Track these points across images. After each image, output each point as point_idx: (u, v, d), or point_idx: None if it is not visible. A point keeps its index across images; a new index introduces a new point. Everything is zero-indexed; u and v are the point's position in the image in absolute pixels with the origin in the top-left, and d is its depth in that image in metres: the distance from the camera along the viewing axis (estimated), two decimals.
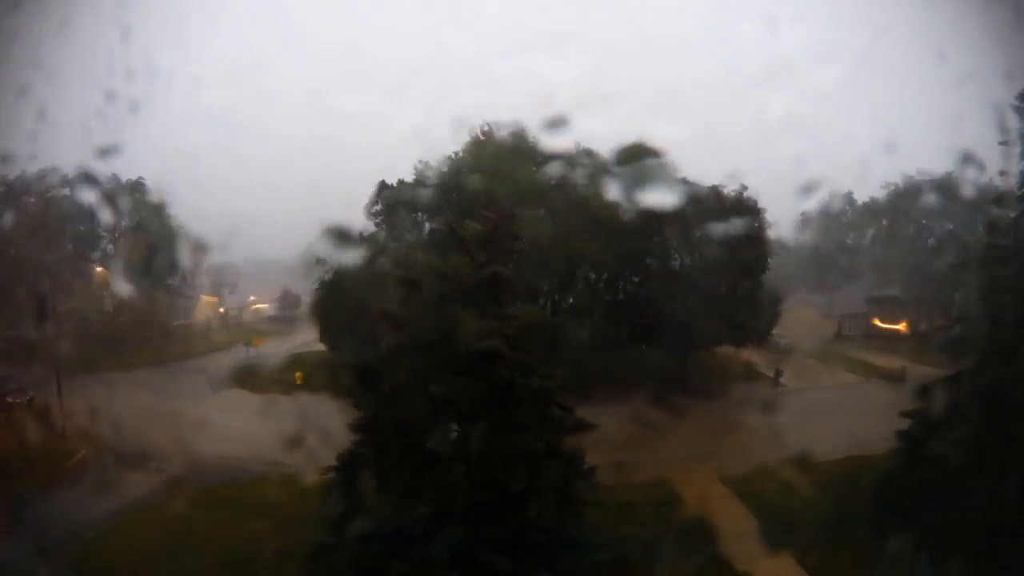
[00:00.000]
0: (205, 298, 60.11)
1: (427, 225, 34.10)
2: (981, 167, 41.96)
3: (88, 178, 44.07)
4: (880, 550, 13.64)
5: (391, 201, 34.94)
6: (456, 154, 35.59)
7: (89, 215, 43.70)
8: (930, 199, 43.97)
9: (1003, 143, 15.19)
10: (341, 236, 37.04)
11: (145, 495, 18.16)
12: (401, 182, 34.83)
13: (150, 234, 46.23)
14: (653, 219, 29.18)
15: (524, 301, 12.01)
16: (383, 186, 34.57)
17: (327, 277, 34.79)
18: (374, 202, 35.04)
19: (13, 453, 20.77)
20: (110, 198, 44.50)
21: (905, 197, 45.47)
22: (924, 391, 15.53)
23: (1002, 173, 15.70)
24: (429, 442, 11.12)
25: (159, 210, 47.31)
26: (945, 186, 43.17)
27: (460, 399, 10.15)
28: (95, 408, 28.79)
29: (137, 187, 46.29)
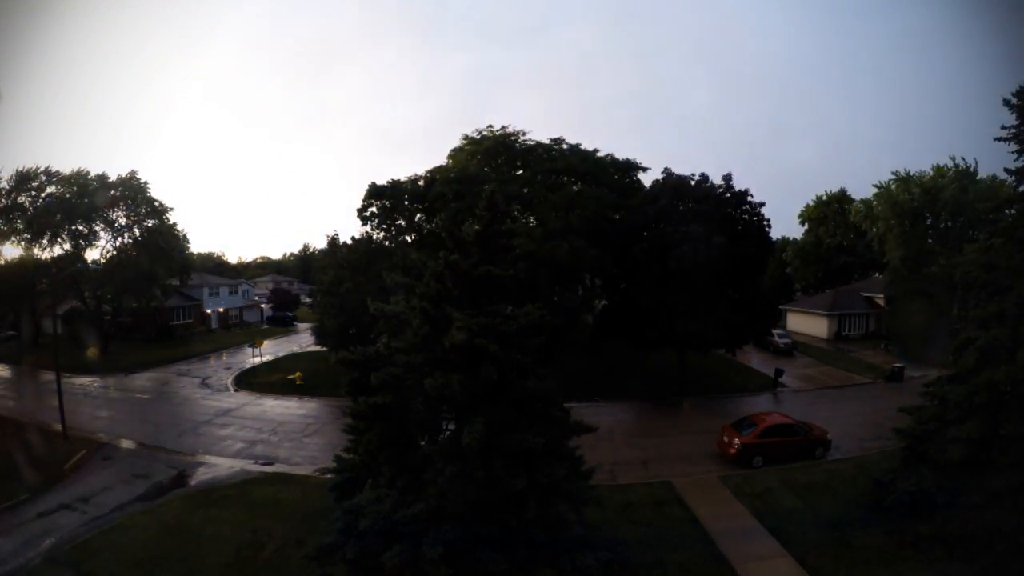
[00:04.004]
0: (207, 298, 60.24)
1: (422, 224, 34.20)
2: (979, 166, 42.05)
3: (87, 177, 44.22)
4: (881, 550, 13.67)
5: (384, 201, 35.00)
6: (452, 154, 35.74)
7: (88, 213, 43.48)
8: (931, 198, 43.97)
9: (1000, 140, 15.16)
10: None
11: (145, 495, 18.15)
12: (395, 182, 34.87)
13: (151, 234, 46.27)
14: (651, 218, 29.21)
15: (522, 301, 11.94)
16: (375, 188, 34.58)
17: (325, 277, 34.96)
18: (367, 203, 35.06)
19: (13, 453, 20.75)
20: (110, 197, 44.57)
21: (904, 196, 45.48)
22: (924, 389, 15.52)
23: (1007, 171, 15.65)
24: (425, 440, 11.16)
25: (160, 210, 47.36)
26: (945, 185, 43.26)
27: (454, 397, 10.12)
28: (95, 409, 28.92)
29: (137, 187, 46.21)
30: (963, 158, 43.71)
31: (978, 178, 42.82)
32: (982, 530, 12.34)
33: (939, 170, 44.53)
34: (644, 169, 34.77)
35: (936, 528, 13.26)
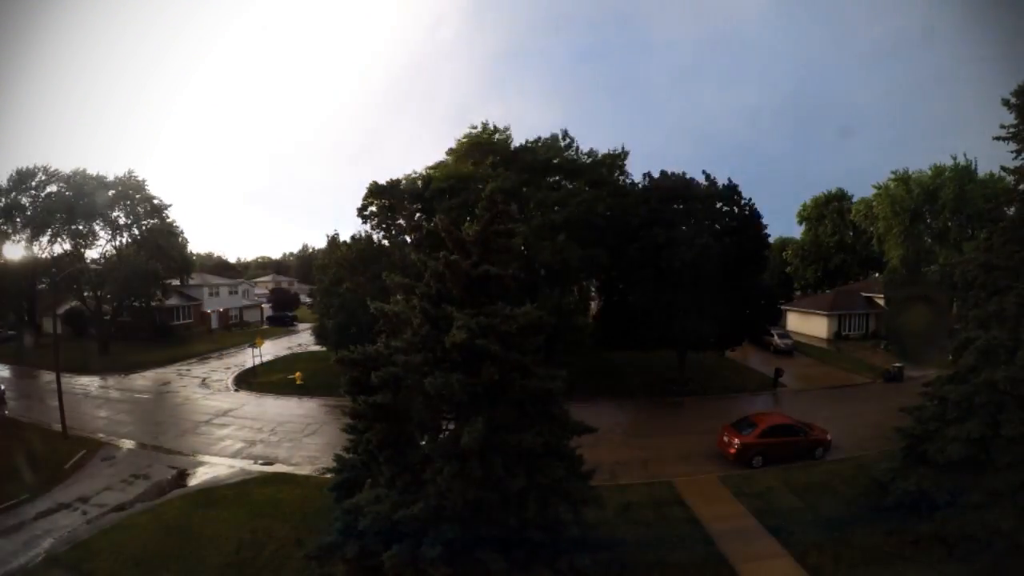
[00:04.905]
0: (207, 298, 60.21)
1: (422, 224, 34.18)
2: (979, 166, 42.13)
3: (86, 177, 44.23)
4: (881, 550, 13.67)
5: (384, 201, 34.99)
6: (449, 153, 35.73)
7: (88, 212, 43.45)
8: (930, 197, 43.99)
9: (999, 139, 15.18)
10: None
11: (145, 495, 18.15)
12: (394, 182, 34.87)
13: (150, 233, 46.27)
14: (644, 218, 29.16)
15: (521, 300, 11.93)
16: (375, 187, 34.59)
17: (325, 277, 34.96)
18: (367, 202, 35.08)
19: (13, 453, 20.75)
20: (110, 197, 44.57)
21: (904, 194, 45.51)
22: (924, 389, 15.53)
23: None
24: (425, 439, 11.16)
25: (159, 208, 47.36)
26: (944, 184, 43.28)
27: (454, 396, 10.11)
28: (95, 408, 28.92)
29: (136, 186, 46.19)
30: (964, 155, 43.76)
31: (978, 176, 42.88)
32: (982, 530, 12.34)
33: (937, 169, 44.58)
34: (626, 153, 34.31)
35: (936, 528, 13.26)
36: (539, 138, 33.51)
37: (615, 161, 33.66)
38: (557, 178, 32.58)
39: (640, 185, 31.73)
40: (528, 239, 27.25)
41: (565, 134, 33.21)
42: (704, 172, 30.01)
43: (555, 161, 32.25)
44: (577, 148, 33.46)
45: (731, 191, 29.57)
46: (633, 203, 30.13)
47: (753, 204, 29.69)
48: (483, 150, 33.60)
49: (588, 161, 32.93)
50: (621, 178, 33.62)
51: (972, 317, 14.71)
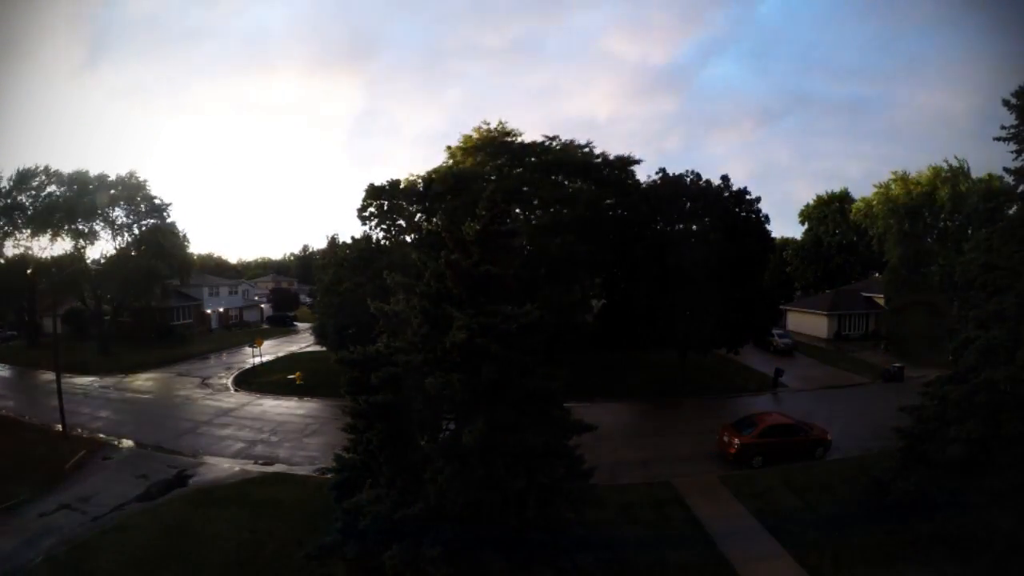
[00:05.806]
0: (207, 298, 60.19)
1: (422, 224, 34.13)
2: (979, 167, 42.08)
3: (87, 176, 44.22)
4: (881, 550, 13.66)
5: (383, 201, 34.97)
6: (451, 152, 35.66)
7: (88, 212, 43.42)
8: (928, 197, 44.01)
9: (999, 139, 15.21)
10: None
11: (145, 495, 18.15)
12: (393, 182, 34.85)
13: (151, 232, 46.23)
14: (647, 216, 29.09)
15: (521, 300, 11.95)
16: (374, 188, 34.60)
17: (325, 277, 34.96)
18: (366, 203, 35.09)
19: (13, 453, 20.74)
20: (110, 196, 44.53)
21: (903, 194, 45.54)
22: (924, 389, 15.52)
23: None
24: (425, 439, 11.17)
25: (160, 208, 47.32)
26: (942, 184, 43.27)
27: (455, 396, 10.12)
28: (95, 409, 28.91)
29: (137, 186, 46.17)
30: (955, 156, 44.01)
31: (973, 177, 43.04)
32: (982, 530, 12.34)
33: (934, 169, 44.69)
34: (637, 162, 34.46)
35: (936, 528, 13.25)
36: (555, 136, 33.64)
37: (625, 165, 33.65)
38: (561, 177, 32.54)
39: (645, 184, 31.70)
40: (534, 236, 27.19)
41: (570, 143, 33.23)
42: (723, 177, 30.06)
43: (559, 158, 32.18)
44: (580, 147, 33.45)
45: (740, 193, 29.58)
46: (637, 201, 30.09)
47: (759, 207, 29.74)
48: (496, 147, 33.50)
49: (598, 161, 32.89)
50: (630, 182, 33.57)
51: (972, 317, 14.71)
